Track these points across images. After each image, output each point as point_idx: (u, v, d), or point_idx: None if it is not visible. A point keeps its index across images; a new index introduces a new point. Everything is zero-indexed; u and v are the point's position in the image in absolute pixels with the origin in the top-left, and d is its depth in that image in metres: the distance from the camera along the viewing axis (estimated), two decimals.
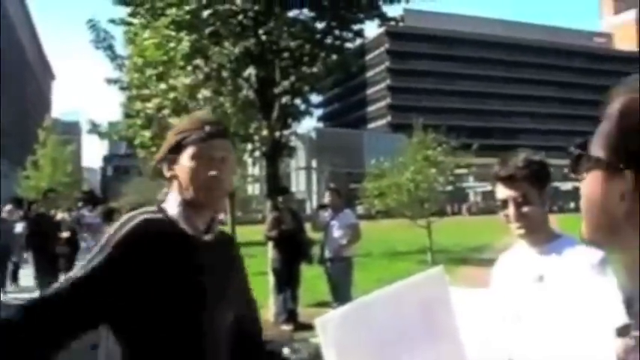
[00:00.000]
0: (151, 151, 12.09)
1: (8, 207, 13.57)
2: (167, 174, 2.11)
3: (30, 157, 54.39)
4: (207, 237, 2.08)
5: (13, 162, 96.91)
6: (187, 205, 2.04)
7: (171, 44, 10.17)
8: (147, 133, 11.58)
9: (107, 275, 1.84)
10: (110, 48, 12.10)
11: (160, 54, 10.49)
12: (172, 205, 2.07)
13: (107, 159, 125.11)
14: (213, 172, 2.01)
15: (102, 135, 12.71)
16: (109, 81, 12.28)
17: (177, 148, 2.07)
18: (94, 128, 12.71)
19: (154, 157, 9.51)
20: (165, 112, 10.57)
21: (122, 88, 12.58)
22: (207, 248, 2.06)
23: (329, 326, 1.67)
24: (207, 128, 2.06)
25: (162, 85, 10.58)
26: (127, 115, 13.59)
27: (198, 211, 2.05)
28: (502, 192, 2.43)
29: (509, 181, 2.39)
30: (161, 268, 1.91)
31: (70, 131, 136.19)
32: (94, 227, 20.59)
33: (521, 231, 2.42)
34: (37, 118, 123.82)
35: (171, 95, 10.40)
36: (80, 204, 40.05)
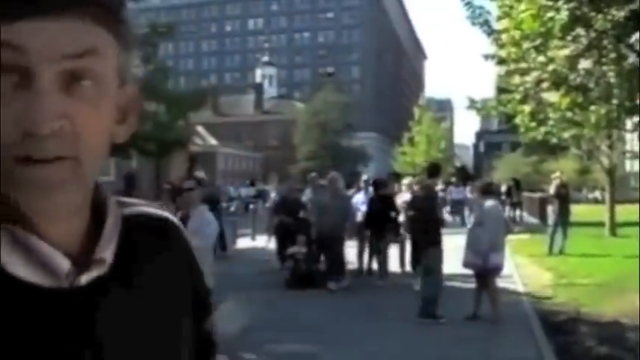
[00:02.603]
0: (530, 127, 11.90)
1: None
2: None
3: (405, 133, 57.17)
4: (84, 278, 0.82)
5: (390, 138, 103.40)
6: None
7: (549, 14, 9.78)
8: (526, 108, 11.36)
9: None
10: (486, 23, 12.08)
11: (537, 25, 10.17)
12: None
13: (479, 135, 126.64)
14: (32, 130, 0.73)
15: (479, 110, 12.82)
16: (486, 57, 12.26)
17: None
18: (472, 104, 12.83)
19: (530, 132, 9.12)
20: (544, 85, 10.26)
21: (499, 63, 12.49)
22: (81, 303, 0.82)
23: None
24: None
25: (541, 58, 10.26)
26: (502, 91, 13.48)
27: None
28: None
29: None
30: None
31: (442, 108, 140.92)
32: (468, 202, 21.01)
33: None
34: (411, 97, 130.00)
35: (550, 67, 10.04)
36: (453, 179, 41.34)
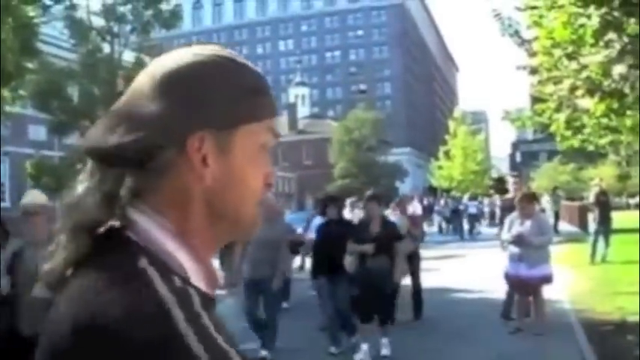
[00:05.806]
0: (565, 136, 11.82)
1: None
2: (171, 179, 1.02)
3: (441, 147, 57.01)
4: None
5: (425, 153, 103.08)
6: (201, 240, 1.06)
7: (580, 21, 9.73)
8: (561, 117, 11.30)
9: None
10: (516, 34, 12.06)
11: (568, 33, 10.12)
12: (167, 242, 1.02)
13: (515, 145, 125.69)
14: (271, 181, 1.13)
15: (514, 122, 12.81)
16: (518, 67, 12.24)
17: (227, 124, 1.03)
18: (507, 115, 12.83)
19: (567, 140, 8.96)
20: (579, 92, 10.19)
21: (532, 72, 12.46)
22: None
23: None
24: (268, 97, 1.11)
25: (574, 65, 10.20)
26: (536, 100, 13.43)
27: (208, 248, 1.09)
28: None
29: None
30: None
31: (477, 121, 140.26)
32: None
33: None
34: (445, 110, 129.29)
35: (584, 74, 9.96)
36: (491, 191, 41.12)
